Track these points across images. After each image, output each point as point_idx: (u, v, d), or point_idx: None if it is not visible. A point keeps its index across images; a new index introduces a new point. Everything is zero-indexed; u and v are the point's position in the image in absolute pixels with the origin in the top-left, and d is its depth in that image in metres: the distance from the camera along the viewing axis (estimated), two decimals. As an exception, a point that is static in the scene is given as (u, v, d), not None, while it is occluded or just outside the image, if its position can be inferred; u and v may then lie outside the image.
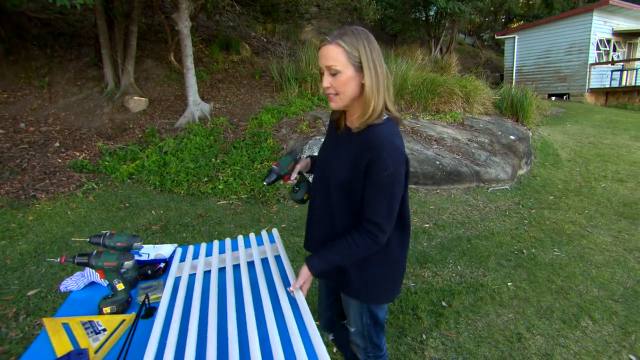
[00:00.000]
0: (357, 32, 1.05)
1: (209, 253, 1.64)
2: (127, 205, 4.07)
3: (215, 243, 1.71)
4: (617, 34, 12.46)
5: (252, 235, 1.72)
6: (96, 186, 4.43)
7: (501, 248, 3.28)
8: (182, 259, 1.59)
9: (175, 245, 1.74)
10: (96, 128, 6.24)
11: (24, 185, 4.36)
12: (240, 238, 1.72)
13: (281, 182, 1.42)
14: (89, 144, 5.54)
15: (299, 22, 8.90)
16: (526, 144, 5.81)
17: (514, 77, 14.00)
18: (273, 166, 1.39)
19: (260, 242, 1.67)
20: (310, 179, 1.42)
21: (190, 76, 6.21)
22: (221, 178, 4.47)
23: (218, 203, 4.12)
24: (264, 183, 1.37)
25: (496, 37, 15.69)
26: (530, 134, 6.78)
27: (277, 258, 1.52)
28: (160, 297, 1.28)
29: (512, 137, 5.85)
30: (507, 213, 4.04)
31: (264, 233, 1.73)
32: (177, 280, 1.41)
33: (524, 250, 3.23)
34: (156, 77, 7.87)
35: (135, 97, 6.82)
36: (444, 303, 2.52)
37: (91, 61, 7.65)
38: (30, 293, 2.64)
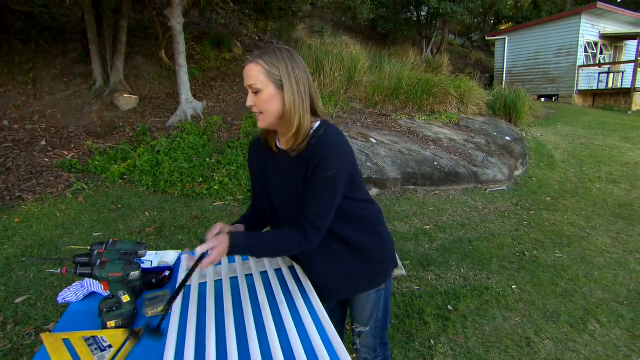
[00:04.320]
0: (279, 51, 1.07)
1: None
2: (120, 206, 3.94)
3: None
4: (604, 37, 12.68)
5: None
6: (86, 186, 4.28)
7: (503, 250, 3.27)
8: (188, 267, 1.50)
9: (180, 252, 1.65)
10: (84, 126, 6.05)
11: (9, 186, 4.18)
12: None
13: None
14: (78, 143, 5.37)
15: (292, 20, 8.81)
16: (521, 145, 5.84)
17: (504, 78, 14.13)
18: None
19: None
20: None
21: (182, 74, 6.07)
22: (216, 178, 4.36)
23: (214, 204, 4.02)
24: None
25: (487, 38, 15.83)
26: (524, 135, 6.82)
27: (292, 269, 1.44)
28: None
29: (507, 138, 5.87)
30: (506, 214, 4.03)
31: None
32: (187, 290, 1.32)
33: (526, 252, 3.22)
34: (146, 74, 7.69)
35: (125, 95, 6.64)
36: (450, 307, 2.48)
37: (78, 57, 7.43)
38: (18, 300, 2.51)
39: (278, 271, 1.42)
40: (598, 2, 11.77)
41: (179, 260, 1.57)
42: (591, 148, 6.41)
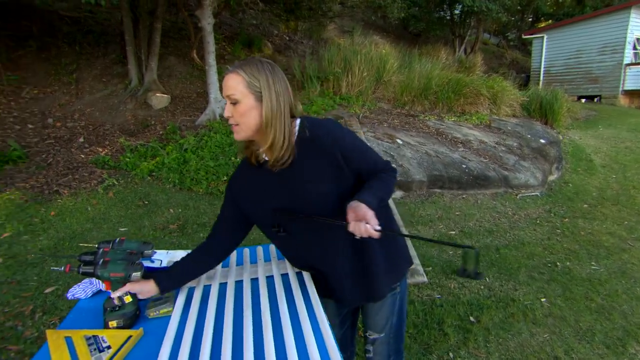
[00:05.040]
0: (260, 63, 1.05)
1: (226, 262, 1.54)
2: (146, 202, 4.06)
3: (233, 252, 1.61)
4: (656, 33, 11.82)
5: (272, 247, 1.62)
6: (117, 182, 4.44)
7: (532, 259, 3.09)
8: (197, 267, 1.49)
9: (189, 251, 1.65)
10: (119, 124, 6.30)
11: (48, 180, 4.41)
12: (259, 249, 1.62)
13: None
14: (112, 140, 5.59)
15: (322, 20, 8.78)
16: (557, 148, 5.53)
17: (541, 78, 13.47)
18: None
19: (281, 256, 1.56)
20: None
21: (212, 73, 6.19)
22: (240, 177, 4.40)
23: (236, 203, 4.06)
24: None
25: (523, 36, 15.15)
26: (561, 138, 6.46)
27: (299, 275, 1.41)
28: (171, 311, 1.18)
29: (542, 141, 5.57)
30: (537, 221, 3.82)
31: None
32: (191, 292, 1.31)
33: (558, 263, 3.03)
34: (179, 74, 7.91)
35: (157, 94, 6.85)
36: (472, 318, 2.36)
37: (117, 58, 7.75)
38: (47, 290, 2.63)
39: (284, 276, 1.39)
40: (650, -4, 10.99)
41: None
42: (637, 152, 5.97)
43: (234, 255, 1.59)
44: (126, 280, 1.15)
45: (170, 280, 1.24)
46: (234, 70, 1.03)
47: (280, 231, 1.17)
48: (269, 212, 1.15)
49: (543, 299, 2.56)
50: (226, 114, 1.05)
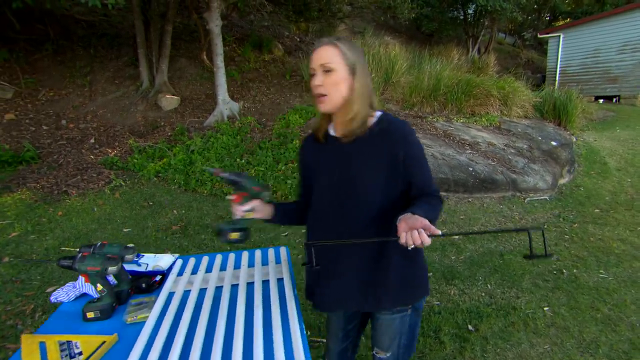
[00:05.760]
0: (351, 41, 1.10)
1: (210, 267, 1.53)
2: (151, 203, 4.10)
3: (218, 257, 1.61)
4: (679, 30, 11.39)
5: (258, 252, 1.61)
6: (123, 183, 4.51)
7: (537, 266, 2.99)
8: (181, 272, 1.49)
9: (176, 255, 1.65)
10: (129, 125, 6.41)
11: (58, 181, 4.51)
12: (245, 254, 1.61)
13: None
14: (121, 141, 5.68)
15: (332, 21, 8.75)
16: (569, 151, 5.37)
17: (557, 78, 13.13)
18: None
19: (265, 261, 1.54)
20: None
21: (220, 75, 6.24)
22: (244, 179, 4.41)
23: (239, 205, 4.06)
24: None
25: (539, 36, 14.80)
26: (574, 140, 6.28)
27: (280, 282, 1.39)
28: (148, 317, 1.18)
29: (553, 143, 5.43)
30: (545, 226, 3.71)
31: (270, 251, 1.61)
32: (170, 297, 1.31)
33: (564, 270, 2.93)
34: (189, 75, 8.00)
35: (167, 96, 6.94)
36: (470, 326, 2.30)
37: (129, 60, 7.89)
38: (49, 290, 2.67)
39: (265, 283, 1.38)
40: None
41: (172, 265, 1.57)
42: (655, 155, 5.76)
43: (218, 259, 1.58)
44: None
45: (285, 216, 1.32)
46: (330, 42, 1.07)
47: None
48: (321, 187, 1.19)
49: (546, 308, 2.48)
50: (317, 83, 1.06)
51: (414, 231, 0.90)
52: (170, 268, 1.55)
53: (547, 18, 19.08)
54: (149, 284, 1.43)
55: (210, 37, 6.28)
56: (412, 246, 0.90)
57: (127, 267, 1.51)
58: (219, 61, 6.15)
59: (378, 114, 1.12)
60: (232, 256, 1.61)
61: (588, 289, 2.68)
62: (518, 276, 2.85)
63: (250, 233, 1.23)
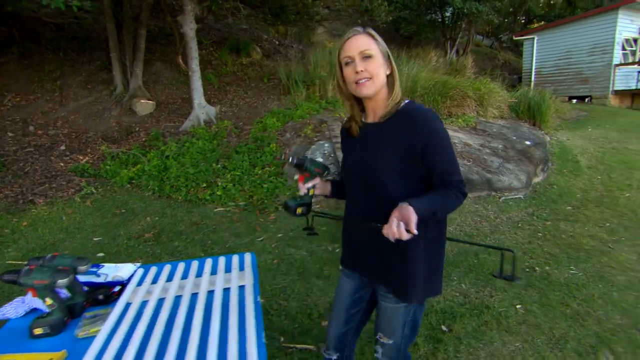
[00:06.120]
0: (376, 33, 1.20)
1: (171, 276, 1.48)
2: (123, 211, 3.99)
3: (181, 265, 1.56)
4: (644, 33, 11.85)
5: (221, 259, 1.56)
6: (95, 191, 4.37)
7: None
8: (141, 282, 1.43)
9: (138, 264, 1.59)
10: (103, 131, 6.24)
11: (24, 190, 4.34)
12: (208, 261, 1.57)
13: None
14: (94, 148, 5.53)
15: (310, 24, 8.76)
16: (543, 150, 5.50)
17: (532, 79, 13.48)
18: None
19: (229, 268, 1.50)
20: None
21: (195, 79, 6.15)
22: (220, 184, 4.34)
23: (215, 210, 3.99)
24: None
25: (514, 38, 15.19)
26: (548, 139, 6.43)
27: (242, 289, 1.35)
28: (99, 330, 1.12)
29: (527, 143, 5.54)
30: (519, 225, 3.77)
31: (235, 258, 1.57)
32: (126, 308, 1.25)
33: (537, 268, 2.97)
34: (165, 79, 7.86)
35: (142, 100, 6.80)
36: (444, 327, 2.31)
37: (102, 64, 7.70)
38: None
39: (226, 290, 1.34)
40: (637, -4, 11.02)
41: (133, 274, 1.51)
42: (623, 153, 5.95)
43: (181, 267, 1.53)
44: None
45: (339, 192, 1.41)
46: (363, 31, 1.16)
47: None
48: (347, 166, 1.32)
49: (518, 306, 2.50)
50: (359, 68, 1.13)
51: (395, 223, 0.95)
52: (130, 278, 1.49)
53: (523, 21, 19.59)
54: (107, 295, 1.38)
55: (185, 40, 6.19)
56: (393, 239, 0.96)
57: (85, 278, 1.45)
58: (194, 65, 6.06)
59: (406, 100, 1.20)
60: (195, 264, 1.56)
61: (559, 285, 2.73)
62: (492, 275, 2.87)
63: (311, 207, 1.37)
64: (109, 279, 1.48)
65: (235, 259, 1.56)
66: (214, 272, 1.49)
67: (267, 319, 2.39)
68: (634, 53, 11.97)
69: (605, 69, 11.55)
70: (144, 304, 1.28)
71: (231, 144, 5.30)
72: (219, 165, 4.73)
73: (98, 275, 1.50)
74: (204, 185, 4.38)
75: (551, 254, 3.20)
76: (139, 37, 7.04)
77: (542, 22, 17.62)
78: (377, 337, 1.33)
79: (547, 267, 2.99)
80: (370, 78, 1.14)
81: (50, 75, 7.32)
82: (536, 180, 4.86)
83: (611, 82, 11.42)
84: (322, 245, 3.27)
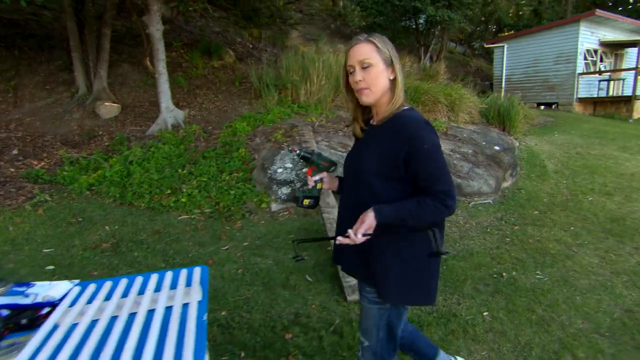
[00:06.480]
0: (382, 36, 1.23)
1: (110, 294, 1.35)
2: (80, 219, 3.76)
3: (123, 281, 1.42)
4: (604, 44, 12.45)
5: (168, 274, 1.44)
6: (49, 198, 4.10)
7: (479, 270, 3.02)
8: (74, 302, 1.29)
9: (75, 282, 1.45)
10: (62, 135, 5.92)
11: (-31, 197, 4.02)
12: (154, 276, 1.44)
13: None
14: (50, 152, 5.22)
15: (283, 27, 8.68)
16: (511, 155, 5.60)
17: (503, 85, 13.91)
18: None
19: (174, 285, 1.38)
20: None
21: (162, 81, 5.94)
22: (185, 190, 4.17)
23: (179, 218, 3.82)
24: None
25: (486, 45, 15.65)
26: (517, 144, 6.58)
27: (186, 307, 1.23)
28: (12, 364, 0.98)
29: (496, 148, 5.64)
30: (488, 230, 3.79)
31: (183, 272, 1.45)
32: (51, 333, 1.11)
33: (504, 273, 2.98)
34: (132, 82, 7.57)
35: (106, 103, 6.51)
36: (411, 337, 2.24)
37: (63, 64, 7.34)
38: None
39: (168, 309, 1.22)
40: (597, 10, 11.58)
41: (67, 293, 1.36)
42: (586, 157, 6.16)
43: (123, 284, 1.40)
44: None
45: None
46: (365, 39, 1.20)
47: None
48: (345, 161, 1.39)
49: (485, 313, 2.48)
50: (357, 78, 1.18)
51: (352, 230, 1.09)
52: (62, 298, 1.34)
53: (494, 29, 20.25)
54: (32, 318, 1.22)
55: (151, 42, 5.97)
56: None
57: (9, 300, 1.30)
58: (161, 67, 5.85)
59: (405, 107, 1.24)
60: (139, 280, 1.43)
61: (525, 291, 2.73)
62: (460, 282, 2.85)
63: (319, 200, 1.42)
64: (39, 299, 1.33)
65: (183, 273, 1.44)
66: (158, 288, 1.36)
67: (229, 333, 2.27)
68: (594, 63, 12.54)
69: (570, 77, 12.04)
70: (73, 327, 1.14)
71: (199, 149, 5.12)
72: (185, 171, 4.55)
73: (26, 296, 1.35)
74: (169, 191, 4.19)
75: (518, 258, 3.22)
76: (103, 36, 6.75)
77: (512, 31, 18.25)
78: (361, 337, 1.39)
79: (514, 273, 2.99)
80: (368, 88, 1.19)
81: (3, 74, 6.92)
82: (505, 185, 4.94)
83: (575, 90, 11.91)
84: (288, 254, 3.16)
